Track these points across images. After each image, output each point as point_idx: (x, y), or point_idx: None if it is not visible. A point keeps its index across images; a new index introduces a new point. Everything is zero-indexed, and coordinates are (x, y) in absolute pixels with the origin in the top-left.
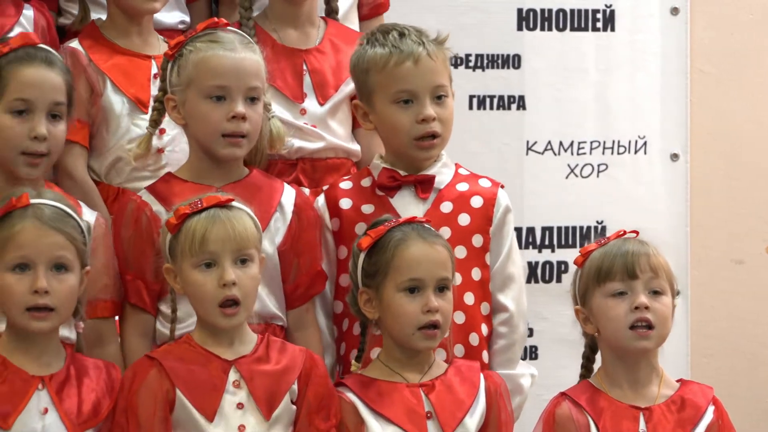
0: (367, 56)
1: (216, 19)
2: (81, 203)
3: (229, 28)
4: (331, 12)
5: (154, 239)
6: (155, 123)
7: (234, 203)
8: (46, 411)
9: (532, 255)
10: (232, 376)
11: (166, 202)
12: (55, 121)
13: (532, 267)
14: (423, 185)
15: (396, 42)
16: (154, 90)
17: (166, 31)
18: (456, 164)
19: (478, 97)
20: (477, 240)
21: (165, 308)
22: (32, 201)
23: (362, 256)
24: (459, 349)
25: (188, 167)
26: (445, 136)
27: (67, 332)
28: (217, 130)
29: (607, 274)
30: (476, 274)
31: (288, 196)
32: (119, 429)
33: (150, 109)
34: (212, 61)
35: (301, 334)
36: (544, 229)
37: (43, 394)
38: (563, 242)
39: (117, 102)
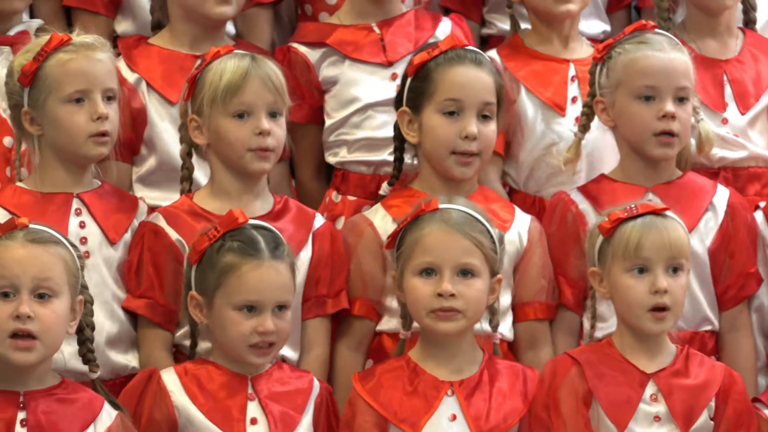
0: None
1: (644, 21)
2: (516, 208)
3: (657, 30)
4: (748, 22)
5: (579, 237)
6: (584, 128)
7: (668, 213)
8: (454, 417)
9: None
10: (650, 389)
11: (595, 201)
12: (486, 121)
13: None
14: None
15: None
16: (572, 92)
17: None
18: None
19: None
20: None
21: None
22: (441, 206)
23: None
24: None
25: (620, 168)
26: None
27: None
28: (647, 129)
29: None
30: None
31: (720, 196)
32: (539, 423)
33: (580, 115)
34: (642, 61)
35: (734, 336)
36: None
37: (452, 400)
38: None
39: (530, 108)
